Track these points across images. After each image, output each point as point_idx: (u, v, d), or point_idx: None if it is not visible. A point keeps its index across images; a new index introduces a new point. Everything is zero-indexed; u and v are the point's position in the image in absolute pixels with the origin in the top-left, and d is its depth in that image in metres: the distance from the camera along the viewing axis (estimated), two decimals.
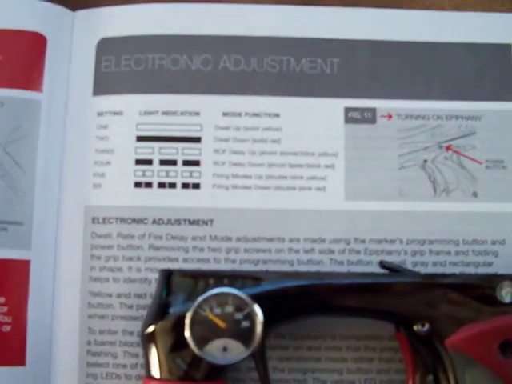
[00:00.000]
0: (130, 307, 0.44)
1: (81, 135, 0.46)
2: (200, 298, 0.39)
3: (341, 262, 0.44)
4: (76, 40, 0.47)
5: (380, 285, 0.40)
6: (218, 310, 0.39)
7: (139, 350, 0.44)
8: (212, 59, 0.46)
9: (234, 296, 0.39)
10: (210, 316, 0.39)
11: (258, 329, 0.38)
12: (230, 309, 0.39)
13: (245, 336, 0.38)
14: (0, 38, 0.46)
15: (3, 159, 0.44)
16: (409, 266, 0.44)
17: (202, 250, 0.45)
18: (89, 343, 0.44)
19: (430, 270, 0.44)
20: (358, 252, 0.44)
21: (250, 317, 0.39)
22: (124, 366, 0.44)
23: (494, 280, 0.39)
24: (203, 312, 0.39)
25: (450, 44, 0.47)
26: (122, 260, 0.44)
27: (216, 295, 0.39)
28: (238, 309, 0.39)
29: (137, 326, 0.43)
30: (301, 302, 0.40)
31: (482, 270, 0.44)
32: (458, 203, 0.45)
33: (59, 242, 0.45)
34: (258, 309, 0.39)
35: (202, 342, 0.38)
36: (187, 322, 0.38)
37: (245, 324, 0.39)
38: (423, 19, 0.47)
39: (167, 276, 0.40)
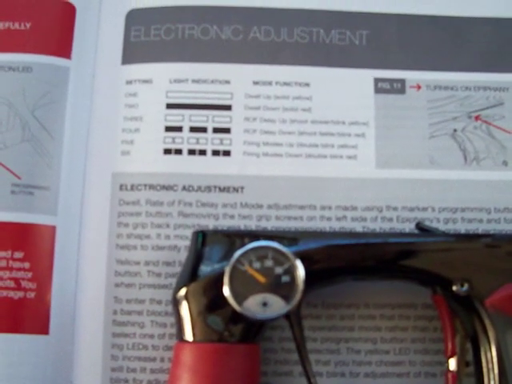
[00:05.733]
0: (159, 275, 0.43)
1: (109, 103, 0.45)
2: (238, 252, 0.38)
3: (373, 230, 0.44)
4: (105, 10, 0.47)
5: (418, 244, 0.39)
6: (257, 265, 0.38)
7: (167, 320, 0.42)
8: (242, 30, 0.46)
9: (274, 250, 0.38)
10: (250, 271, 0.38)
11: (299, 283, 0.37)
12: (269, 263, 0.38)
13: (285, 291, 0.37)
14: (30, 5, 0.46)
15: (31, 123, 0.44)
16: None
17: (232, 217, 0.44)
18: (115, 313, 0.42)
19: None
20: (391, 220, 0.44)
21: (291, 271, 0.38)
22: (151, 337, 0.42)
23: None
24: (242, 267, 0.38)
25: (476, 18, 0.47)
26: (151, 227, 0.43)
27: (255, 249, 0.38)
28: (278, 263, 0.38)
29: (165, 294, 0.42)
30: (338, 261, 0.39)
31: None
32: (489, 172, 0.45)
33: (86, 209, 0.44)
34: (299, 263, 0.38)
35: (241, 297, 0.37)
36: (226, 277, 0.37)
37: (285, 279, 0.38)
38: None
39: (200, 237, 0.40)
